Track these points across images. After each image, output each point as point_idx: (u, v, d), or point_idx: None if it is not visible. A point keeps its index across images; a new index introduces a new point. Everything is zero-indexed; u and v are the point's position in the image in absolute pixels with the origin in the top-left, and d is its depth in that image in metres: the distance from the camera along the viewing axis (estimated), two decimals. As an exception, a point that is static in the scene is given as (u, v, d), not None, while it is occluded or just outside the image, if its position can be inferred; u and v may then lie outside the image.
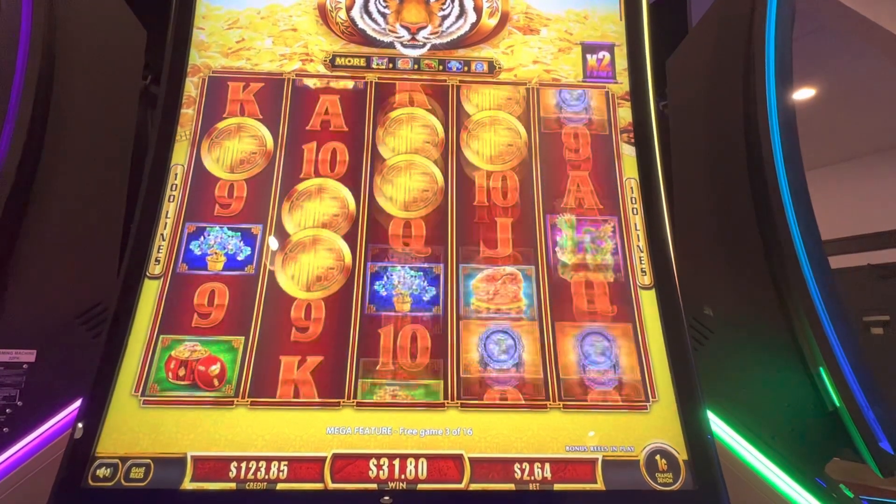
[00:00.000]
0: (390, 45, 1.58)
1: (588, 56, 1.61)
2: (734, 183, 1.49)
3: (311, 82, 1.54)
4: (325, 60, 1.56)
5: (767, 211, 1.37)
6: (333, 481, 1.11)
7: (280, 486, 1.10)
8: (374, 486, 1.10)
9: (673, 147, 1.55)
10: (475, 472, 1.13)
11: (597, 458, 1.15)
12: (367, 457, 1.13)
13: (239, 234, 1.36)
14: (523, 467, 1.14)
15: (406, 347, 1.27)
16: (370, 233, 1.38)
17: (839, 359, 1.25)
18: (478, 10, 1.62)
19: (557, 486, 1.12)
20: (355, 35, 1.59)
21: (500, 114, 1.53)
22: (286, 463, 1.12)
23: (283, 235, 1.37)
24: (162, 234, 1.34)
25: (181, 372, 1.21)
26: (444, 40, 1.59)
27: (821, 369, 1.27)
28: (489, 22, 1.62)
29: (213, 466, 1.11)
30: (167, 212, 1.37)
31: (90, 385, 1.17)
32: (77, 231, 1.40)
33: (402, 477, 1.11)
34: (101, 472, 1.10)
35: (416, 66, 1.57)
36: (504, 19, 1.63)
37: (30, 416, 1.22)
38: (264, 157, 1.45)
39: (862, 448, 1.22)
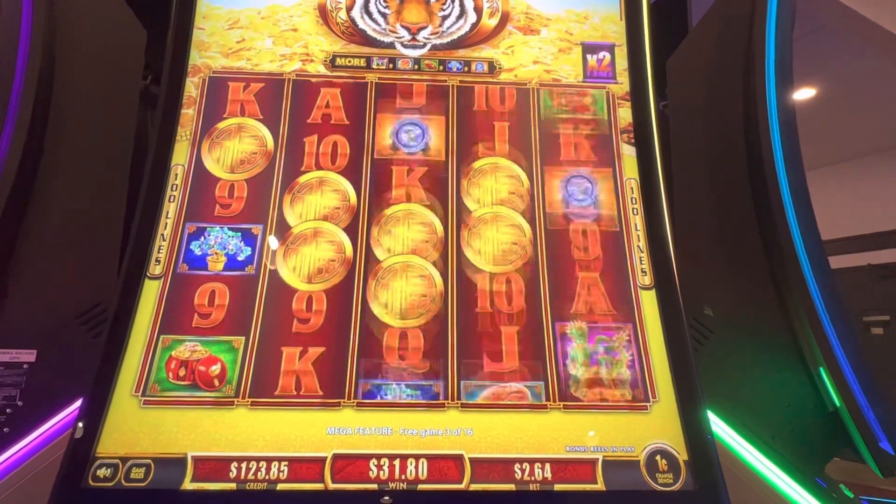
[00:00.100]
0: (391, 46, 1.58)
1: (588, 56, 1.61)
2: (734, 183, 1.49)
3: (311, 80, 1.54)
4: (325, 60, 1.56)
5: (767, 211, 1.37)
6: (334, 481, 1.11)
7: (280, 487, 1.10)
8: (374, 486, 1.10)
9: (673, 147, 1.55)
10: (475, 472, 1.13)
11: (597, 459, 1.15)
12: (368, 457, 1.13)
13: (239, 234, 1.36)
14: (524, 467, 1.14)
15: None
16: (369, 237, 1.39)
17: (839, 359, 1.25)
18: (478, 11, 1.62)
19: (558, 487, 1.12)
20: (356, 35, 1.59)
21: (502, 209, 1.43)
22: (286, 463, 1.12)
23: (284, 228, 1.38)
24: (162, 235, 1.34)
25: (181, 372, 1.21)
26: (445, 40, 1.59)
27: (821, 369, 1.27)
28: (489, 22, 1.62)
29: (213, 467, 1.11)
30: (167, 212, 1.37)
31: (90, 385, 1.17)
32: (77, 231, 1.40)
33: (403, 477, 1.11)
34: (102, 472, 1.10)
35: (416, 67, 1.57)
36: (504, 19, 1.63)
37: (30, 417, 1.22)
38: (264, 157, 1.45)
39: (862, 448, 1.22)
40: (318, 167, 1.45)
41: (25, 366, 1.27)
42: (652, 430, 1.20)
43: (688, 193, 1.52)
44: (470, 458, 1.14)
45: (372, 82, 1.54)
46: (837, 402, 1.25)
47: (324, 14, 1.61)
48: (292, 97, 1.51)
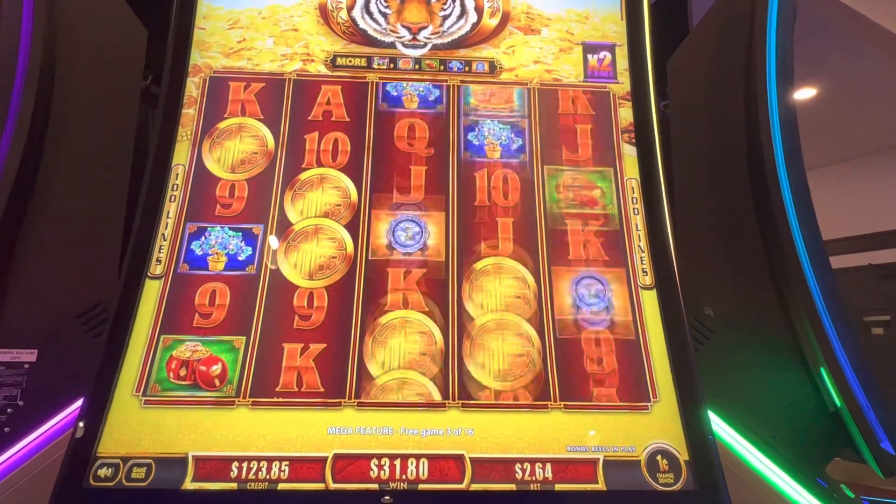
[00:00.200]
0: (391, 45, 1.58)
1: (589, 56, 1.61)
2: (735, 183, 1.49)
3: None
4: (325, 60, 1.56)
5: (768, 211, 1.37)
6: (335, 481, 1.11)
7: (281, 487, 1.10)
8: (375, 486, 1.10)
9: (674, 147, 1.55)
10: (476, 472, 1.13)
11: (598, 459, 1.15)
12: (368, 457, 1.13)
13: (240, 234, 1.36)
14: (524, 467, 1.14)
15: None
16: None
17: (840, 359, 1.25)
18: (479, 11, 1.62)
19: (558, 487, 1.12)
20: (356, 35, 1.59)
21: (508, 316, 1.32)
22: (287, 463, 1.12)
23: (285, 225, 1.38)
24: (163, 234, 1.34)
25: (182, 372, 1.21)
26: (445, 40, 1.59)
27: (822, 369, 1.27)
28: (490, 22, 1.62)
29: (214, 466, 1.11)
30: (168, 212, 1.37)
31: (91, 385, 1.17)
32: (78, 231, 1.40)
33: (403, 477, 1.12)
34: (103, 472, 1.10)
35: (417, 66, 1.57)
36: (505, 19, 1.63)
37: (31, 416, 1.22)
38: (265, 157, 1.45)
39: (863, 448, 1.22)
40: (319, 164, 1.45)
41: (26, 365, 1.27)
42: (653, 429, 1.20)
43: (688, 193, 1.52)
44: (471, 458, 1.14)
45: (373, 82, 1.54)
46: (838, 403, 1.25)
47: (324, 14, 1.61)
48: (293, 97, 1.51)
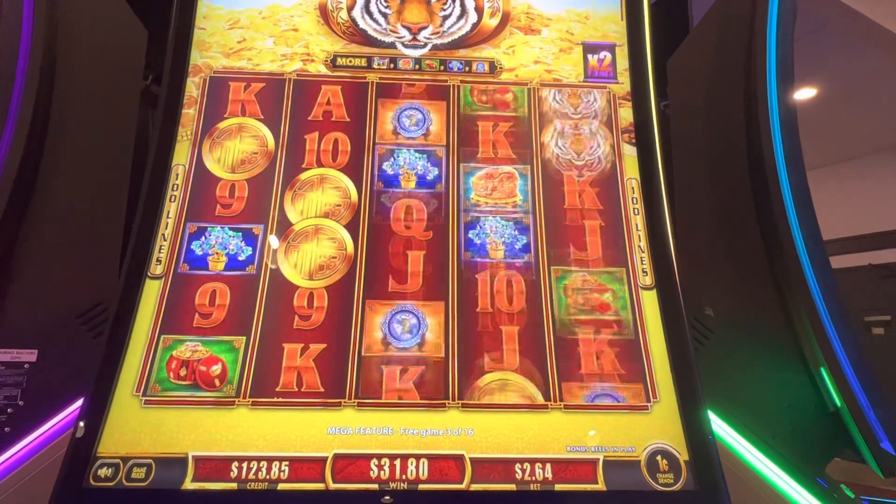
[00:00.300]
0: (391, 46, 1.58)
1: (589, 56, 1.61)
2: (735, 183, 1.49)
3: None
4: (326, 60, 1.56)
5: (768, 211, 1.37)
6: (335, 481, 1.11)
7: (281, 487, 1.10)
8: (375, 486, 1.10)
9: (674, 147, 1.55)
10: (476, 472, 1.13)
11: (598, 459, 1.15)
12: (368, 457, 1.13)
13: (240, 234, 1.36)
14: (524, 467, 1.14)
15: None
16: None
17: (840, 359, 1.25)
18: (479, 11, 1.62)
19: (558, 487, 1.12)
20: (356, 35, 1.59)
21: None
22: (287, 463, 1.12)
23: (285, 225, 1.38)
24: (163, 235, 1.34)
25: (182, 372, 1.21)
26: (446, 40, 1.59)
27: (822, 369, 1.27)
28: (490, 22, 1.62)
29: (214, 466, 1.11)
30: (168, 212, 1.37)
31: (91, 385, 1.17)
32: (78, 231, 1.40)
33: (403, 477, 1.12)
34: (103, 472, 1.10)
35: (417, 67, 1.57)
36: (505, 19, 1.63)
37: (31, 416, 1.22)
38: (265, 157, 1.45)
39: (863, 448, 1.22)
40: (320, 164, 1.45)
41: (26, 365, 1.27)
42: (653, 430, 1.20)
43: (689, 193, 1.52)
44: (471, 458, 1.14)
45: (373, 82, 1.54)
46: (838, 403, 1.25)
47: (324, 14, 1.61)
48: (293, 97, 1.51)
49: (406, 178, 1.46)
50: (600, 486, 1.13)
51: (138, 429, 1.15)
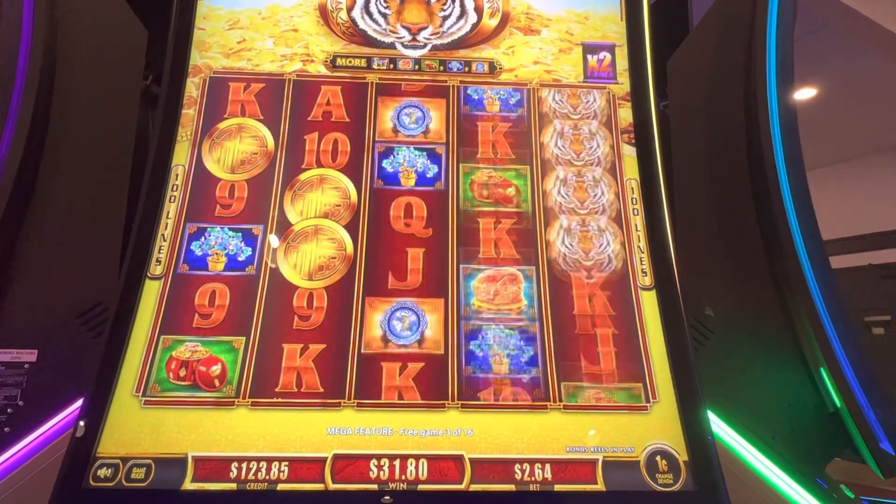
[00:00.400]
0: (391, 46, 1.58)
1: (589, 56, 1.61)
2: (735, 183, 1.49)
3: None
4: (325, 61, 1.56)
5: (768, 211, 1.37)
6: (334, 482, 1.11)
7: (281, 487, 1.10)
8: (374, 486, 1.10)
9: (674, 147, 1.55)
10: (476, 472, 1.13)
11: (597, 459, 1.15)
12: (368, 457, 1.13)
13: (240, 234, 1.36)
14: (524, 468, 1.14)
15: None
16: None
17: (840, 359, 1.25)
18: (478, 11, 1.62)
19: (558, 487, 1.12)
20: (356, 35, 1.59)
21: None
22: (287, 463, 1.12)
23: (285, 225, 1.38)
24: (163, 235, 1.34)
25: (182, 372, 1.21)
26: (445, 41, 1.59)
27: (821, 370, 1.27)
28: (490, 22, 1.62)
29: (213, 467, 1.11)
30: (168, 212, 1.37)
31: (91, 385, 1.17)
32: (78, 231, 1.40)
33: (403, 477, 1.12)
34: (102, 472, 1.10)
35: (416, 67, 1.57)
36: (505, 20, 1.63)
37: (31, 416, 1.22)
38: (265, 158, 1.45)
39: (863, 448, 1.22)
40: (319, 164, 1.45)
41: (26, 365, 1.27)
42: (652, 430, 1.20)
43: (688, 194, 1.51)
44: (470, 459, 1.14)
45: (373, 82, 1.54)
46: (838, 403, 1.24)
47: (324, 14, 1.61)
48: (293, 97, 1.52)
49: (406, 175, 1.46)
50: (600, 486, 1.13)
51: (138, 429, 1.15)
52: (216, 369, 1.22)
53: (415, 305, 1.31)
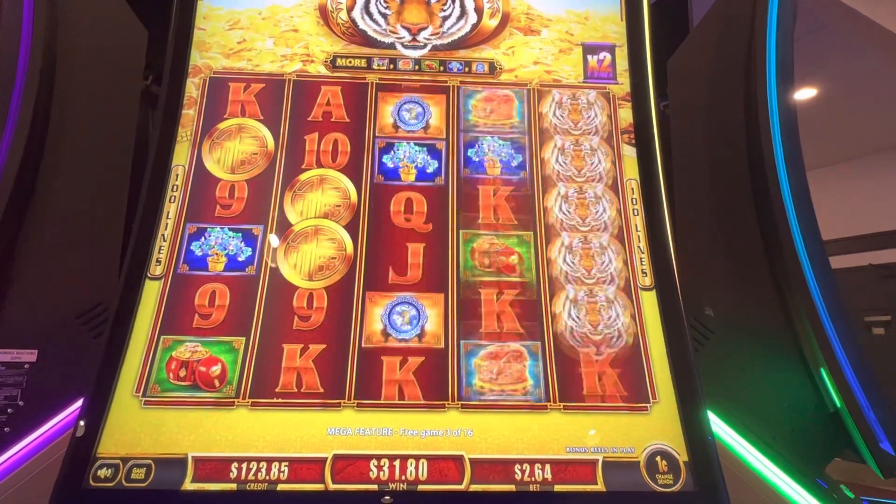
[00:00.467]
0: (391, 46, 1.58)
1: (589, 57, 1.61)
2: (735, 183, 1.49)
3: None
4: (325, 61, 1.56)
5: (768, 211, 1.37)
6: (334, 482, 1.11)
7: (281, 487, 1.10)
8: (374, 486, 1.11)
9: (674, 147, 1.55)
10: (476, 472, 1.13)
11: (597, 460, 1.15)
12: (368, 457, 1.13)
13: (240, 234, 1.36)
14: (524, 468, 1.14)
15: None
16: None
17: (840, 359, 1.25)
18: (479, 11, 1.62)
19: (558, 487, 1.12)
20: (356, 36, 1.59)
21: None
22: (287, 464, 1.12)
23: (285, 226, 1.38)
24: (163, 235, 1.34)
25: (182, 373, 1.21)
26: (445, 41, 1.59)
27: (822, 370, 1.27)
28: (490, 23, 1.62)
29: (214, 467, 1.11)
30: (168, 212, 1.37)
31: (91, 385, 1.17)
32: (78, 231, 1.40)
33: (403, 478, 1.12)
34: (103, 472, 1.10)
35: (416, 67, 1.57)
36: (505, 20, 1.63)
37: (31, 416, 1.22)
38: (265, 158, 1.45)
39: (863, 449, 1.22)
40: (319, 165, 1.45)
41: (27, 366, 1.28)
42: (652, 430, 1.20)
43: (688, 194, 1.51)
44: (470, 459, 1.14)
45: (373, 83, 1.54)
46: (838, 403, 1.24)
47: (324, 15, 1.61)
48: (293, 97, 1.52)
49: (406, 171, 1.46)
50: (599, 486, 1.13)
51: (138, 429, 1.15)
52: (216, 369, 1.22)
53: (415, 300, 1.32)
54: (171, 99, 1.47)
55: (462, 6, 1.62)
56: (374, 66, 1.56)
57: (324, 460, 1.13)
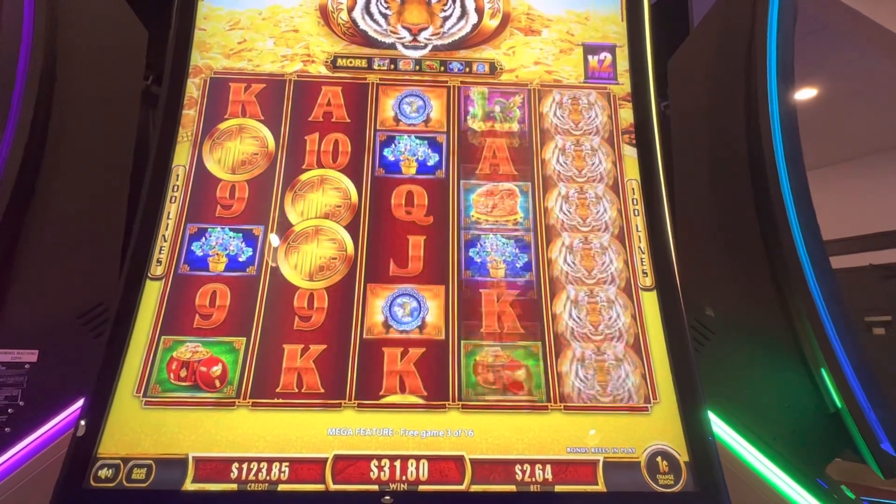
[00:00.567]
0: (392, 46, 1.58)
1: (589, 57, 1.61)
2: (736, 183, 1.49)
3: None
4: (326, 61, 1.56)
5: (769, 211, 1.37)
6: (335, 482, 1.11)
7: (281, 488, 1.10)
8: (375, 487, 1.11)
9: (674, 148, 1.55)
10: (476, 473, 1.13)
11: (598, 460, 1.15)
12: (369, 458, 1.13)
13: (240, 234, 1.36)
14: (524, 468, 1.14)
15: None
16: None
17: (840, 360, 1.25)
18: (479, 12, 1.62)
19: (558, 488, 1.12)
20: (357, 36, 1.59)
21: None
22: (287, 464, 1.12)
23: (286, 226, 1.38)
24: (164, 235, 1.34)
25: (183, 373, 1.21)
26: (446, 41, 1.59)
27: (822, 370, 1.27)
28: (490, 23, 1.62)
29: (214, 467, 1.11)
30: (169, 213, 1.37)
31: (92, 385, 1.17)
32: (79, 232, 1.40)
33: (404, 478, 1.12)
34: (103, 472, 1.10)
35: (417, 68, 1.57)
36: (505, 20, 1.63)
37: (32, 417, 1.23)
38: (265, 158, 1.45)
39: (863, 449, 1.22)
40: (320, 165, 1.45)
41: (27, 366, 1.28)
42: (653, 431, 1.20)
43: (689, 194, 1.51)
44: (471, 459, 1.14)
45: (373, 83, 1.54)
46: (839, 403, 1.24)
47: (325, 15, 1.61)
48: (293, 98, 1.52)
49: (407, 164, 1.46)
50: (600, 487, 1.13)
51: (139, 429, 1.15)
52: (217, 370, 1.22)
53: (416, 292, 1.32)
54: (171, 99, 1.47)
55: (463, 6, 1.62)
56: (375, 67, 1.56)
57: (324, 461, 1.13)
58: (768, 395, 1.32)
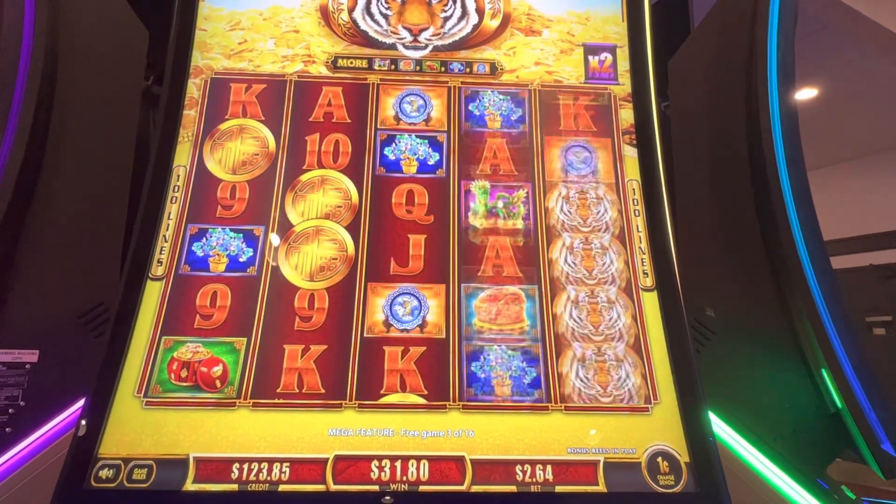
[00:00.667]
0: (392, 47, 1.59)
1: (590, 57, 1.61)
2: (736, 184, 1.49)
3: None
4: (327, 62, 1.56)
5: (769, 211, 1.37)
6: (335, 482, 1.11)
7: (282, 488, 1.10)
8: (375, 487, 1.11)
9: (675, 148, 1.55)
10: (477, 473, 1.13)
11: (598, 460, 1.16)
12: (369, 458, 1.13)
13: (241, 235, 1.36)
14: (525, 469, 1.14)
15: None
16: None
17: (841, 360, 1.25)
18: (480, 12, 1.62)
19: (559, 488, 1.12)
20: (357, 36, 1.59)
21: None
22: (288, 464, 1.12)
23: (286, 226, 1.38)
24: (164, 236, 1.34)
25: (183, 373, 1.21)
26: (446, 42, 1.60)
27: (822, 371, 1.27)
28: (491, 23, 1.62)
29: (215, 468, 1.11)
30: (169, 213, 1.37)
31: (93, 386, 1.17)
32: (80, 232, 1.40)
33: (404, 478, 1.12)
34: (104, 473, 1.10)
35: (417, 68, 1.57)
36: (506, 21, 1.63)
37: (32, 417, 1.22)
38: (266, 159, 1.45)
39: (864, 449, 1.22)
40: (320, 165, 1.45)
41: (28, 366, 1.28)
42: (653, 431, 1.20)
43: (689, 195, 1.52)
44: (471, 460, 1.14)
45: (374, 83, 1.54)
46: (839, 404, 1.24)
47: (325, 15, 1.61)
48: (294, 98, 1.52)
49: (407, 163, 1.47)
50: (601, 487, 1.13)
51: (139, 430, 1.15)
52: (217, 370, 1.22)
53: (416, 291, 1.32)
54: (172, 99, 1.47)
55: (463, 7, 1.62)
56: (376, 67, 1.56)
57: (325, 461, 1.13)
58: (769, 396, 1.32)
